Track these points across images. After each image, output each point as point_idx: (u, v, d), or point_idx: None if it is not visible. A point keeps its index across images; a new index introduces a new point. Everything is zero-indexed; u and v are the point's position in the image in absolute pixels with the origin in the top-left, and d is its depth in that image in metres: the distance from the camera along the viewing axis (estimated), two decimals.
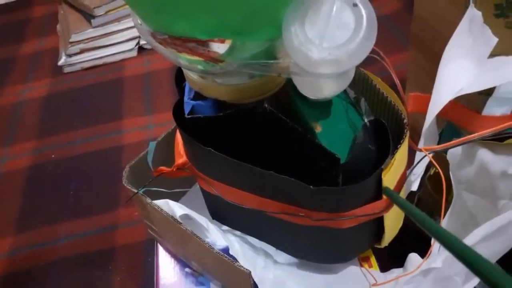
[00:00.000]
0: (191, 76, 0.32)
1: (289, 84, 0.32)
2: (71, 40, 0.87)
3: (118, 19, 0.89)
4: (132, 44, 0.89)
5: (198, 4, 0.24)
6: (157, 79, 0.84)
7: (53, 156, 0.72)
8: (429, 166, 0.45)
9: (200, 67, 0.29)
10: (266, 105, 0.32)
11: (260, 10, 0.24)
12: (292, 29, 0.24)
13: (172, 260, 0.43)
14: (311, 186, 0.29)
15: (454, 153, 0.39)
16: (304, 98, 0.32)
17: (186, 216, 0.36)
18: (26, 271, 0.57)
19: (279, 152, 0.31)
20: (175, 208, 0.36)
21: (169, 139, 0.42)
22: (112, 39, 0.89)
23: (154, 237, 0.45)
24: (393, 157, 0.30)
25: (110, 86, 0.84)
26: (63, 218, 0.62)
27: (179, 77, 0.36)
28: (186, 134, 0.34)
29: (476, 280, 0.28)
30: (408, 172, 0.33)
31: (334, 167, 0.29)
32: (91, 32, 0.88)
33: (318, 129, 0.32)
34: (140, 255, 0.57)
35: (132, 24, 0.89)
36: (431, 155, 0.38)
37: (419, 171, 0.41)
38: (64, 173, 0.69)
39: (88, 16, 0.88)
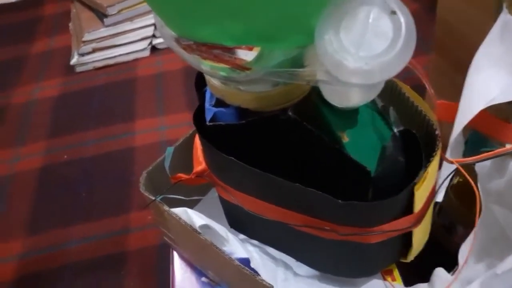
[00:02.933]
0: (213, 82, 0.31)
1: (315, 92, 0.31)
2: (83, 39, 0.86)
3: (130, 18, 0.88)
4: (145, 43, 0.89)
5: (225, 10, 0.23)
6: (169, 79, 0.83)
7: (65, 156, 0.71)
8: (453, 175, 0.43)
9: (223, 73, 0.28)
10: (290, 113, 0.31)
11: (291, 16, 0.23)
12: (326, 37, 0.22)
13: (188, 268, 0.42)
14: (339, 200, 0.27)
15: (483, 165, 0.37)
16: (330, 106, 0.31)
17: (205, 227, 0.35)
18: (37, 274, 0.57)
19: (304, 163, 0.30)
20: (194, 217, 0.35)
21: (187, 145, 0.41)
22: (124, 38, 0.88)
23: (169, 244, 0.44)
24: (425, 170, 0.28)
25: (123, 86, 0.83)
26: (75, 221, 0.62)
27: (199, 82, 0.35)
28: (207, 141, 0.33)
29: None
30: (438, 185, 0.32)
31: (363, 181, 0.28)
32: (103, 31, 0.87)
33: (346, 139, 0.31)
34: (153, 260, 0.56)
35: (145, 23, 0.89)
36: (461, 166, 0.37)
37: (445, 183, 0.40)
38: (76, 174, 0.68)
39: (101, 15, 0.88)
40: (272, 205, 0.32)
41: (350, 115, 0.32)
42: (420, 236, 0.33)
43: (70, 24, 0.97)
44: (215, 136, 0.33)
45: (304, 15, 0.23)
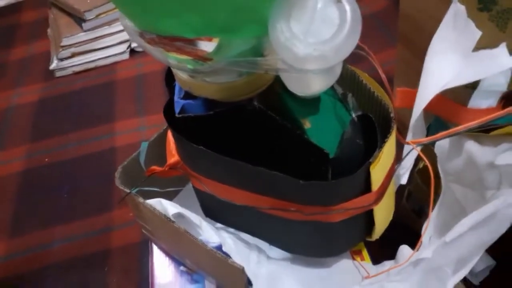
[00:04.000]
0: (180, 75, 0.32)
1: (278, 82, 0.33)
2: (62, 44, 0.87)
3: (109, 23, 0.89)
4: (123, 47, 0.89)
5: (184, 3, 0.24)
6: (149, 81, 0.84)
7: (46, 160, 0.72)
8: (418, 159, 0.45)
9: (189, 66, 0.29)
10: (255, 103, 0.32)
11: (245, 7, 0.24)
12: (277, 26, 0.24)
13: (167, 259, 0.44)
14: (300, 181, 0.29)
15: (442, 146, 0.39)
16: (293, 95, 0.32)
17: (179, 215, 0.36)
18: (21, 276, 0.57)
19: (270, 149, 0.32)
20: (168, 207, 0.36)
21: (161, 140, 0.43)
22: (103, 42, 0.89)
23: (148, 237, 0.45)
24: (380, 151, 0.30)
25: (102, 89, 0.83)
26: (57, 222, 0.62)
27: (169, 77, 0.36)
28: (177, 133, 0.34)
29: (465, 271, 0.29)
30: (397, 165, 0.34)
31: (323, 162, 0.29)
32: (82, 36, 0.88)
33: (308, 125, 0.33)
34: (136, 256, 0.57)
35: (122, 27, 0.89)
36: (419, 148, 0.39)
37: (407, 164, 0.41)
38: (58, 177, 0.69)
39: (79, 20, 0.88)
40: (241, 190, 0.34)
41: (311, 103, 0.34)
42: (382, 215, 0.34)
43: (48, 30, 0.97)
44: (184, 127, 0.34)
45: (257, 6, 0.24)
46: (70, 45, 0.87)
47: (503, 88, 0.37)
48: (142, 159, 0.41)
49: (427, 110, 0.41)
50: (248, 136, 0.32)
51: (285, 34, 0.24)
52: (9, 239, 0.61)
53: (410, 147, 0.39)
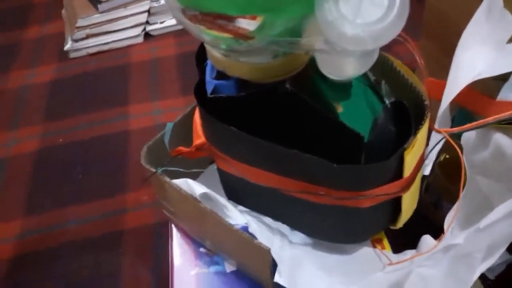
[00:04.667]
0: (214, 54, 0.32)
1: (311, 66, 0.33)
2: (77, 25, 0.87)
3: (124, 5, 0.89)
4: (138, 30, 0.89)
5: None
6: (163, 65, 0.84)
7: (60, 140, 0.72)
8: (440, 152, 0.45)
9: (223, 45, 0.29)
10: (288, 86, 0.33)
11: None
12: (326, 5, 0.24)
13: (187, 240, 0.44)
14: (334, 164, 0.29)
15: (468, 137, 0.39)
16: (326, 79, 0.33)
17: (205, 195, 0.36)
18: (35, 253, 0.58)
19: (302, 132, 0.32)
20: (195, 187, 0.37)
21: (186, 121, 0.43)
22: (118, 24, 0.89)
23: (167, 218, 0.46)
24: (415, 137, 0.30)
25: (116, 72, 0.84)
26: (71, 202, 0.62)
27: (200, 56, 0.36)
28: (208, 113, 0.34)
29: (495, 257, 0.29)
30: (426, 153, 0.34)
31: (357, 146, 0.30)
32: (97, 17, 0.88)
33: (340, 109, 0.33)
34: (150, 238, 0.57)
35: (138, 10, 0.89)
36: (448, 136, 0.39)
37: (432, 155, 0.42)
38: (72, 157, 0.69)
39: (95, 1, 0.88)
40: (270, 173, 0.34)
41: (344, 88, 0.34)
42: (408, 202, 0.35)
43: (62, 11, 0.97)
44: (215, 108, 0.34)
45: None
46: (85, 26, 0.87)
47: None
48: (166, 140, 0.41)
49: (454, 102, 0.41)
50: (280, 119, 0.33)
51: (333, 13, 0.24)
52: (24, 217, 0.61)
53: (438, 136, 0.39)
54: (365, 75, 0.35)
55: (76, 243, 0.58)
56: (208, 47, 0.33)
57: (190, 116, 0.42)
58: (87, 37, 0.88)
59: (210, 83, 0.34)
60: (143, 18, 0.89)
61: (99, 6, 0.87)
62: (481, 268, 0.29)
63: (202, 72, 0.36)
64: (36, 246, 0.58)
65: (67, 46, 0.88)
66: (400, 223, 0.36)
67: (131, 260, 0.56)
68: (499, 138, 0.36)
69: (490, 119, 0.34)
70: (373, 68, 0.34)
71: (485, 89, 0.40)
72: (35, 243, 0.59)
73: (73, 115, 0.76)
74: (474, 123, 0.34)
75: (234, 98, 0.33)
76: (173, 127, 0.43)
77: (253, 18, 0.26)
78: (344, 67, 0.30)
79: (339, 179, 0.31)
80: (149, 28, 0.90)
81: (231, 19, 0.26)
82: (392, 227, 0.38)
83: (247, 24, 0.26)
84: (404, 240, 0.42)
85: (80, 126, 0.74)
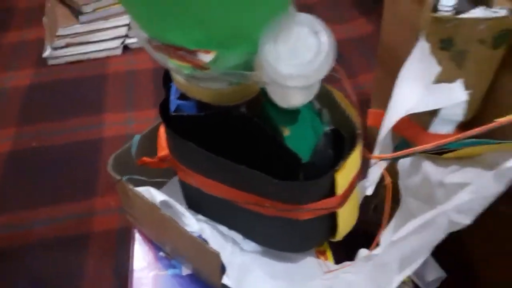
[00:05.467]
0: (178, 78, 0.37)
1: (263, 93, 0.38)
2: (57, 33, 0.90)
3: (105, 17, 0.93)
4: (117, 42, 0.94)
5: (189, 20, 0.29)
6: (140, 78, 0.88)
7: (33, 144, 0.75)
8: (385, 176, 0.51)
9: (186, 71, 0.34)
10: (242, 109, 0.38)
11: (241, 28, 0.29)
12: (266, 47, 0.29)
13: (148, 244, 0.48)
14: (274, 180, 0.34)
15: (404, 164, 0.45)
16: (276, 105, 0.38)
17: (165, 203, 0.41)
18: (2, 251, 0.60)
19: (252, 150, 0.37)
20: (156, 195, 0.41)
21: (152, 134, 0.47)
22: (98, 36, 0.93)
23: (131, 223, 0.50)
24: (345, 161, 0.36)
25: (94, 81, 0.88)
26: (41, 204, 0.66)
27: (166, 78, 0.41)
28: (171, 129, 0.39)
29: (410, 270, 0.34)
30: (364, 178, 0.40)
31: (296, 166, 0.35)
32: (78, 28, 0.92)
33: (286, 133, 0.38)
34: (114, 241, 0.61)
35: (119, 23, 0.94)
36: (382, 162, 0.45)
37: (373, 178, 0.47)
38: (44, 161, 0.72)
39: (76, 12, 0.92)
40: (223, 185, 0.39)
41: (291, 114, 0.39)
42: (345, 218, 0.40)
43: (44, 18, 1.01)
44: (177, 124, 0.39)
45: (251, 28, 0.30)
46: (66, 36, 0.91)
47: (459, 118, 0.43)
48: (133, 150, 0.46)
49: (394, 131, 0.47)
50: (233, 138, 0.38)
51: (272, 54, 0.29)
52: None
53: (376, 162, 0.45)
54: (312, 104, 0.40)
55: (42, 243, 0.61)
56: (172, 71, 0.37)
57: (157, 129, 0.47)
58: (67, 46, 0.92)
59: (174, 102, 0.39)
60: (123, 31, 0.94)
61: (80, 17, 0.91)
62: (399, 278, 0.35)
63: (167, 92, 0.41)
64: (3, 245, 0.61)
65: (46, 53, 0.91)
66: (339, 236, 0.41)
67: (94, 262, 0.59)
68: (427, 165, 0.42)
69: (416, 148, 0.40)
70: (319, 98, 0.40)
71: (421, 121, 0.46)
72: (2, 242, 0.61)
73: (48, 120, 0.79)
74: (402, 152, 0.39)
75: (194, 117, 0.38)
76: (140, 139, 0.47)
77: (208, 52, 0.31)
78: (288, 98, 0.35)
79: (280, 193, 0.36)
80: (128, 41, 0.94)
81: (189, 51, 0.31)
82: (332, 240, 0.43)
83: (203, 57, 0.31)
84: (350, 254, 0.47)
85: (54, 131, 0.77)
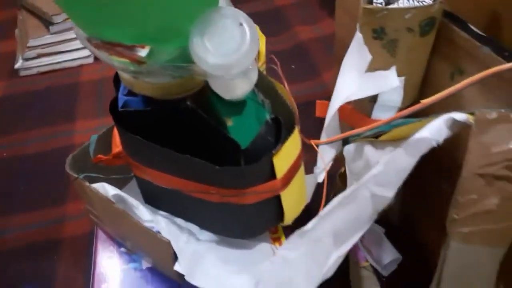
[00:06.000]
0: (124, 75, 0.40)
1: (208, 86, 0.41)
2: (28, 44, 0.93)
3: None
4: (88, 51, 0.96)
5: (122, 17, 0.32)
6: (110, 84, 0.90)
7: (4, 154, 0.77)
8: (340, 164, 0.54)
9: (130, 67, 0.37)
10: (188, 102, 0.40)
11: (171, 23, 0.32)
12: (194, 40, 0.32)
13: (110, 242, 0.50)
14: (216, 166, 0.37)
15: (349, 150, 0.48)
16: (220, 98, 0.40)
17: (118, 197, 0.43)
18: None
19: (196, 141, 0.39)
20: (109, 189, 0.43)
21: (110, 134, 0.50)
22: (69, 45, 0.95)
23: (95, 222, 0.52)
24: (282, 145, 0.38)
25: (66, 90, 0.90)
26: (12, 212, 0.67)
27: (116, 77, 0.43)
28: (119, 124, 0.41)
29: (346, 246, 0.37)
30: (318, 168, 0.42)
31: (236, 152, 0.37)
32: (48, 38, 0.94)
33: (230, 123, 0.41)
34: (85, 245, 0.62)
35: None
36: (332, 150, 0.48)
37: (321, 165, 0.50)
38: (15, 171, 0.74)
39: (47, 22, 0.95)
40: (171, 176, 0.41)
41: (235, 106, 0.42)
42: (291, 202, 0.42)
43: (16, 31, 1.03)
44: (126, 120, 0.41)
45: (179, 25, 0.33)
46: (36, 46, 0.93)
47: (397, 104, 0.46)
48: (91, 150, 0.48)
49: (341, 120, 0.50)
50: (179, 129, 0.40)
51: (200, 46, 0.32)
52: None
53: (323, 147, 0.47)
54: (255, 95, 0.43)
55: (14, 250, 0.63)
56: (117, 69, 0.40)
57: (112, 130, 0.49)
58: (38, 56, 0.94)
59: (121, 99, 0.42)
60: None
61: (50, 27, 0.94)
62: (337, 253, 0.37)
63: (117, 90, 0.43)
64: None
65: (18, 65, 0.93)
66: (287, 220, 0.44)
67: (65, 266, 0.61)
68: (368, 149, 0.45)
69: (350, 132, 0.43)
70: (262, 90, 0.43)
71: (363, 109, 0.48)
72: None
73: (20, 130, 0.81)
74: (337, 136, 0.42)
75: (140, 112, 0.41)
76: (97, 139, 0.49)
77: (142, 46, 0.33)
78: (227, 89, 0.38)
79: (223, 179, 0.39)
80: None
81: (126, 47, 0.34)
82: (281, 224, 0.45)
83: (139, 51, 0.34)
84: None
85: (26, 141, 0.79)
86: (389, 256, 0.54)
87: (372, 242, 0.55)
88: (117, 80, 0.43)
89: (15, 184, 0.72)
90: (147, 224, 0.43)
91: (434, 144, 0.30)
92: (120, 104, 0.41)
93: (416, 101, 0.47)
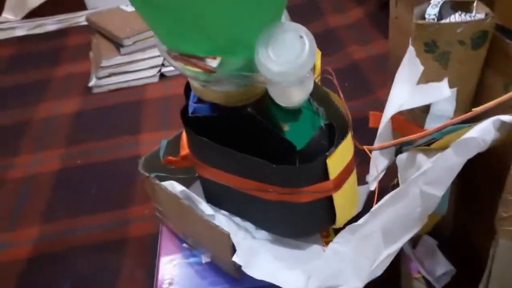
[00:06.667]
0: (194, 84, 0.45)
1: (267, 94, 0.45)
2: (101, 64, 1.03)
3: (143, 49, 1.06)
4: (154, 71, 1.05)
5: (198, 33, 0.38)
6: (174, 101, 0.98)
7: (78, 161, 0.86)
8: (393, 175, 0.56)
9: (201, 77, 0.42)
10: (249, 109, 0.45)
11: (239, 37, 0.37)
12: (259, 50, 0.37)
13: (173, 238, 0.55)
14: (274, 165, 0.41)
15: (402, 159, 0.50)
16: (278, 105, 0.45)
17: (184, 192, 0.48)
18: (50, 254, 0.70)
19: (255, 143, 0.44)
20: (177, 187, 0.49)
21: (177, 140, 0.55)
22: (137, 66, 1.05)
23: (159, 219, 0.57)
24: (336, 148, 0.42)
25: (133, 106, 0.99)
26: (83, 213, 0.75)
27: (187, 88, 0.49)
28: (189, 128, 0.47)
29: (397, 246, 0.39)
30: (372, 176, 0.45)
31: (291, 153, 0.41)
32: (119, 59, 1.04)
33: (286, 128, 0.45)
34: (149, 244, 0.68)
35: (155, 53, 1.06)
36: (384, 160, 0.51)
37: (374, 172, 0.53)
38: (87, 176, 0.82)
39: (118, 45, 1.05)
40: (233, 175, 0.46)
41: (292, 112, 0.46)
42: (342, 204, 0.45)
43: (90, 53, 1.15)
44: (194, 124, 0.47)
45: (247, 38, 0.38)
46: (109, 66, 1.04)
47: (450, 114, 0.48)
48: (161, 153, 0.54)
49: (397, 132, 0.53)
50: (240, 133, 0.45)
51: (264, 56, 0.37)
52: (42, 224, 0.74)
53: (380, 158, 0.50)
54: (310, 104, 0.47)
55: (85, 246, 0.70)
56: (189, 79, 0.46)
57: (181, 135, 0.55)
58: (109, 75, 1.04)
59: (191, 106, 0.47)
60: (159, 61, 1.05)
61: (121, 49, 1.04)
62: (387, 251, 0.39)
63: (187, 98, 0.49)
64: (51, 248, 0.70)
65: (92, 83, 1.04)
66: (339, 223, 0.47)
67: (130, 262, 0.67)
68: (420, 157, 0.47)
69: (401, 139, 0.45)
70: (317, 99, 0.47)
71: (417, 120, 0.51)
72: (50, 246, 0.71)
73: (92, 140, 0.90)
74: (389, 142, 0.45)
75: (208, 118, 0.46)
76: (167, 143, 0.55)
77: (214, 58, 0.39)
78: (285, 96, 0.42)
79: (279, 177, 0.43)
80: (164, 69, 1.06)
81: (199, 58, 0.39)
82: (333, 227, 0.48)
83: (211, 62, 0.39)
84: None
85: (96, 150, 0.88)
86: (442, 268, 0.55)
87: (425, 254, 0.57)
88: (187, 89, 0.49)
89: (87, 188, 0.80)
90: (208, 219, 0.47)
91: (482, 144, 0.32)
92: (190, 110, 0.47)
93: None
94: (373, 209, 0.39)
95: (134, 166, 0.83)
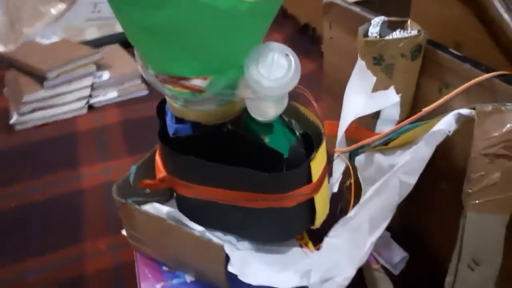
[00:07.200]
0: (174, 105, 0.47)
1: (245, 112, 0.49)
2: (23, 100, 0.98)
3: (69, 81, 1.02)
4: (82, 103, 1.02)
5: (190, 56, 0.40)
6: (109, 131, 0.96)
7: (12, 204, 0.80)
8: (346, 177, 0.62)
9: (185, 97, 0.44)
10: (229, 126, 0.48)
11: (231, 58, 0.41)
12: (250, 68, 0.41)
13: (150, 262, 0.55)
14: (266, 174, 0.44)
15: (360, 160, 0.57)
16: (255, 120, 0.49)
17: (171, 215, 0.49)
18: None
19: (240, 157, 0.47)
20: (161, 208, 0.49)
21: (145, 165, 0.56)
22: (63, 98, 1.01)
23: (135, 246, 0.57)
24: (316, 152, 0.47)
25: (64, 140, 0.95)
26: (29, 255, 0.70)
27: (160, 109, 0.51)
28: (171, 149, 0.48)
29: (378, 232, 0.45)
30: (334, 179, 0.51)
31: (280, 161, 0.45)
32: (43, 93, 1.00)
33: (266, 140, 0.49)
34: (110, 280, 0.66)
35: (82, 85, 1.03)
36: (342, 162, 0.57)
37: (336, 175, 0.59)
38: (26, 218, 0.77)
39: (40, 78, 1.01)
40: (221, 189, 0.48)
41: (268, 126, 0.50)
42: (321, 204, 0.50)
43: (5, 89, 1.08)
44: (176, 145, 0.48)
45: (236, 58, 0.41)
46: (31, 101, 0.98)
47: (396, 117, 0.56)
48: (131, 179, 0.54)
49: (349, 137, 0.59)
50: (224, 149, 0.48)
51: (255, 73, 0.41)
52: None
53: (338, 161, 0.56)
54: (281, 119, 0.52)
55: None
56: (169, 100, 0.48)
57: (149, 160, 0.56)
58: (33, 110, 0.99)
59: (171, 127, 0.49)
60: (86, 92, 1.03)
61: (44, 83, 1.00)
62: (371, 239, 0.45)
63: (162, 120, 0.50)
64: None
65: (13, 120, 0.97)
66: (317, 223, 0.51)
67: None
68: (378, 156, 0.54)
69: (364, 141, 0.52)
70: (287, 113, 0.52)
71: (368, 125, 0.58)
72: None
73: (23, 180, 0.84)
74: (354, 145, 0.51)
75: (190, 137, 0.48)
76: (136, 169, 0.56)
77: (205, 78, 0.42)
78: (264, 111, 0.46)
79: (270, 185, 0.46)
80: (92, 100, 1.03)
81: (189, 79, 0.42)
82: (312, 228, 0.52)
83: (201, 83, 0.42)
84: None
85: (31, 189, 0.82)
86: (398, 255, 0.63)
87: (381, 245, 0.64)
88: (161, 111, 0.51)
89: (28, 231, 0.74)
90: (200, 234, 0.49)
91: (448, 133, 0.39)
92: (171, 131, 0.49)
93: (409, 115, 0.57)
94: (361, 201, 0.44)
95: (79, 200, 0.80)
